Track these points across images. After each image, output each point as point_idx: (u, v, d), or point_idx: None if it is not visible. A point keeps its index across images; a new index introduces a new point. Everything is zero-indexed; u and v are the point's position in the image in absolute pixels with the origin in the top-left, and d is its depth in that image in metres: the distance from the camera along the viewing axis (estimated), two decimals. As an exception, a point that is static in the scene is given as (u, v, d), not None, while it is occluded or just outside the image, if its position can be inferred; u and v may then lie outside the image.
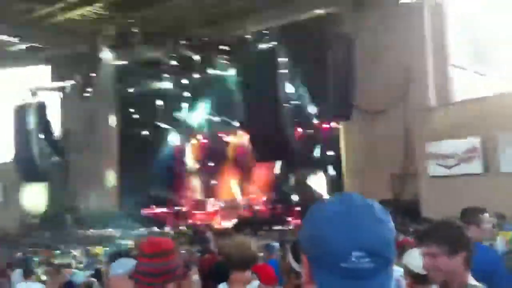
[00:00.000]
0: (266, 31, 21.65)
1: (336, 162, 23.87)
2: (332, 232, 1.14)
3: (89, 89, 26.25)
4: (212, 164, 30.33)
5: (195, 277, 6.98)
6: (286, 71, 20.12)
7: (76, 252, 12.99)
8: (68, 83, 29.41)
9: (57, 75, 31.57)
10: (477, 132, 18.37)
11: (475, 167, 18.63)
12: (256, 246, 3.87)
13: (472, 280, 2.36)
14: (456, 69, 21.29)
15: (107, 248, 13.08)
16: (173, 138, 31.96)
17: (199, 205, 28.71)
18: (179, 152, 31.87)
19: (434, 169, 19.74)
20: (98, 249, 11.93)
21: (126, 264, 3.67)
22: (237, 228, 19.91)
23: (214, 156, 29.97)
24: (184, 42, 24.76)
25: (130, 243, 14.08)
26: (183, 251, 9.69)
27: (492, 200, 14.88)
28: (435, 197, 18.81)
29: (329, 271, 1.14)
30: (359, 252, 1.12)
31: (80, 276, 8.85)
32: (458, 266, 2.37)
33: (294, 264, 2.71)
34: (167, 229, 24.68)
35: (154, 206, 29.14)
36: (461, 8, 21.94)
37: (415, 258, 2.71)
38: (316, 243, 1.17)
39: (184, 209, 29.28)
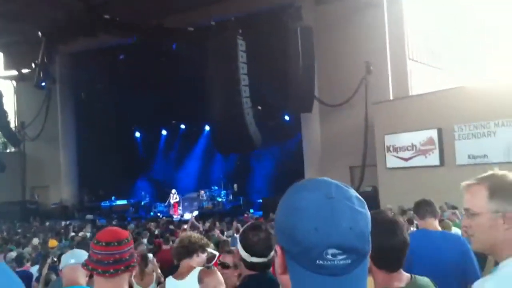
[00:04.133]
0: (228, 20, 21.52)
1: (296, 153, 24.04)
2: (307, 227, 1.10)
3: (45, 78, 25.52)
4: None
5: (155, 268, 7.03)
6: (245, 61, 20.06)
7: (31, 245, 12.67)
8: (23, 71, 28.75)
9: (10, 63, 30.77)
10: (434, 125, 18.76)
11: (432, 159, 19.02)
12: (198, 238, 4.25)
13: (397, 282, 2.35)
14: (414, 62, 21.71)
15: (62, 242, 12.84)
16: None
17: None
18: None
19: (392, 161, 20.10)
20: (52, 242, 11.66)
21: (79, 255, 3.61)
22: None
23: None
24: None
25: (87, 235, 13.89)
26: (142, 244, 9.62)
27: (448, 191, 15.25)
28: (393, 188, 19.18)
29: (303, 266, 1.11)
30: (335, 249, 1.08)
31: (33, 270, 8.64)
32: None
33: (243, 254, 2.70)
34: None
35: (114, 197, 28.69)
36: (419, 2, 22.35)
37: None
38: (291, 237, 1.12)
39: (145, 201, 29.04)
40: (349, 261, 1.10)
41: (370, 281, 2.37)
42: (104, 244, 2.55)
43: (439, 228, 4.70)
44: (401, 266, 2.35)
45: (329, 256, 1.08)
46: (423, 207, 4.57)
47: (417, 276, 2.39)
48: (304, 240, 1.09)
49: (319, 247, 1.08)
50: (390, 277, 2.33)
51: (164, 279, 7.05)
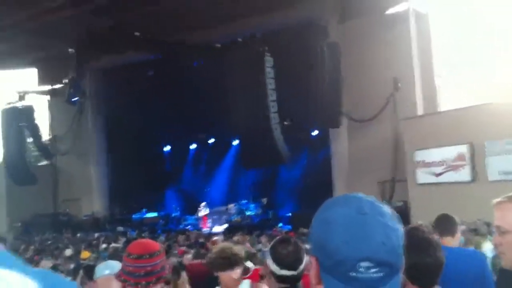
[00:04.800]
0: (254, 36, 21.68)
1: (325, 168, 23.94)
2: (340, 240, 1.13)
3: (77, 93, 26.03)
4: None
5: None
6: (273, 77, 20.17)
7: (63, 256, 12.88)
8: (55, 86, 29.32)
9: (44, 78, 31.45)
10: (465, 140, 18.52)
11: (463, 175, 18.76)
12: (239, 249, 3.96)
13: None
14: (442, 78, 21.55)
15: (94, 254, 13.01)
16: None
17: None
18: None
19: (422, 176, 19.87)
20: (85, 254, 11.84)
21: (113, 266, 3.71)
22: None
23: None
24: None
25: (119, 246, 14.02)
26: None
27: (479, 207, 15.00)
28: (424, 204, 18.91)
29: (337, 279, 1.14)
30: (368, 262, 1.11)
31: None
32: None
33: (273, 267, 2.74)
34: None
35: (145, 210, 28.94)
36: (446, 17, 22.20)
37: None
38: (324, 249, 1.16)
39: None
40: (382, 274, 1.13)
41: None
42: (135, 256, 2.64)
43: (455, 245, 4.65)
44: (434, 284, 2.38)
45: (362, 269, 1.11)
46: (442, 223, 4.54)
47: None
48: (335, 253, 1.13)
49: (350, 260, 1.12)
50: None
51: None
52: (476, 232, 11.05)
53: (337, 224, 1.16)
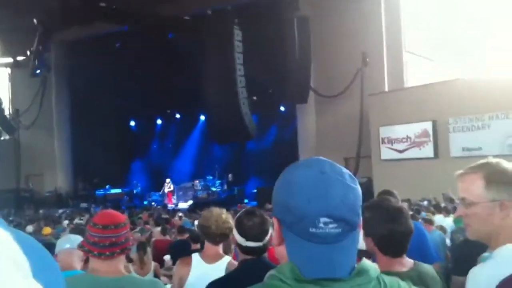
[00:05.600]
0: (224, 9, 21.41)
1: (291, 144, 24.05)
2: (301, 198, 1.19)
3: (41, 65, 25.40)
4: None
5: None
6: (242, 51, 20.02)
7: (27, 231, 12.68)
8: (18, 59, 28.59)
9: (6, 50, 30.58)
10: (429, 117, 18.80)
11: (426, 151, 19.10)
12: (232, 221, 3.88)
13: (400, 267, 2.40)
14: (410, 54, 21.71)
15: (57, 229, 12.84)
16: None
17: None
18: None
19: (386, 152, 20.16)
20: (46, 230, 11.64)
21: (73, 239, 3.62)
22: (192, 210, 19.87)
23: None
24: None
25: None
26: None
27: (441, 183, 15.31)
28: (387, 179, 19.21)
29: (298, 235, 1.19)
30: (326, 218, 1.17)
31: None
32: (372, 249, 2.44)
33: (239, 238, 2.74)
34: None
35: (109, 186, 28.69)
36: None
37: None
38: (286, 208, 1.21)
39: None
40: (339, 230, 1.18)
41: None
42: (101, 227, 2.61)
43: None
44: (404, 252, 2.42)
45: (321, 225, 1.17)
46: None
47: (420, 263, 2.47)
48: (297, 209, 1.18)
49: (312, 216, 1.17)
50: (393, 262, 2.40)
51: (160, 268, 7.07)
52: (437, 208, 11.29)
53: (299, 183, 1.21)
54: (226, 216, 3.77)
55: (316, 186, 1.19)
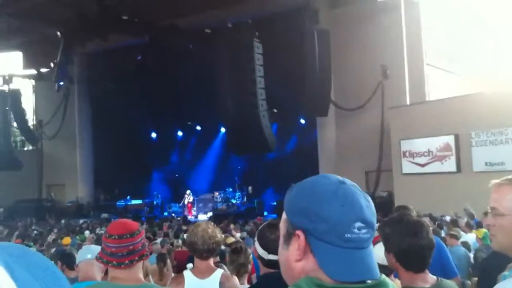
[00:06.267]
0: (244, 22, 21.51)
1: (311, 156, 23.95)
2: (334, 205, 1.22)
3: (63, 77, 25.72)
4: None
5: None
6: (262, 64, 20.05)
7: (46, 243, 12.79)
8: (41, 70, 28.97)
9: (29, 62, 31.06)
10: (451, 130, 18.59)
11: (449, 165, 18.85)
12: (220, 234, 3.88)
13: (422, 283, 2.38)
14: (431, 67, 21.56)
15: (76, 238, 12.96)
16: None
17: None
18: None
19: (408, 166, 19.96)
20: (66, 240, 11.73)
21: (94, 250, 3.64)
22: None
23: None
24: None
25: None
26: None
27: (464, 198, 15.11)
28: (408, 193, 19.02)
29: (331, 243, 1.21)
30: (360, 223, 1.21)
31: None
32: (394, 265, 2.42)
33: (261, 251, 2.73)
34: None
35: (129, 197, 28.84)
36: (437, 7, 22.20)
37: (379, 250, 2.73)
38: (318, 216, 1.22)
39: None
40: (369, 235, 1.23)
41: (397, 283, 2.42)
42: (117, 237, 2.64)
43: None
44: (426, 267, 2.40)
45: (356, 230, 1.20)
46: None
47: (444, 280, 2.45)
48: (331, 216, 1.21)
49: (347, 221, 1.20)
50: (416, 277, 2.38)
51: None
52: (455, 223, 11.13)
53: (326, 192, 1.24)
54: (212, 231, 3.78)
55: (343, 193, 1.23)
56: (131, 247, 2.62)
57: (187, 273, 3.78)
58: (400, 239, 2.38)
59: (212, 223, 3.90)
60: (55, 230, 16.80)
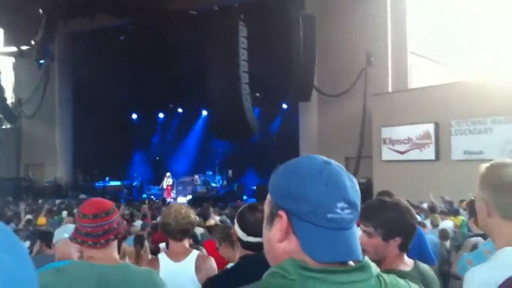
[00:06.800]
0: (230, 5, 21.37)
1: (293, 142, 24.01)
2: (318, 184, 1.21)
3: (44, 56, 25.32)
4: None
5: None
6: (246, 47, 19.96)
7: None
8: (21, 48, 28.48)
9: (10, 39, 30.50)
10: (431, 118, 18.75)
11: (428, 153, 19.05)
12: (194, 215, 3.85)
13: (404, 266, 2.39)
14: (415, 56, 21.66)
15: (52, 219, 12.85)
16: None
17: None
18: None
19: (388, 153, 20.12)
20: (41, 220, 11.64)
21: (71, 229, 3.60)
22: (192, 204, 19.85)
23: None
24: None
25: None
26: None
27: (442, 186, 15.32)
28: (387, 180, 19.18)
29: (314, 223, 1.20)
30: (343, 203, 1.20)
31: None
32: (391, 251, 2.38)
33: (240, 233, 2.72)
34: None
35: (108, 178, 28.67)
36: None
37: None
38: (300, 196, 1.21)
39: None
40: (352, 216, 1.22)
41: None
42: (91, 216, 2.58)
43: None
44: (408, 249, 2.43)
45: (339, 210, 1.19)
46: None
47: (420, 263, 2.51)
48: (315, 196, 1.20)
49: (330, 201, 1.20)
50: (398, 261, 2.41)
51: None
52: (433, 210, 11.29)
53: (310, 172, 1.23)
54: (186, 211, 3.75)
55: (327, 174, 1.22)
56: (106, 227, 2.56)
57: (162, 256, 3.75)
58: (408, 223, 2.42)
59: (186, 205, 3.86)
60: (27, 209, 16.57)
